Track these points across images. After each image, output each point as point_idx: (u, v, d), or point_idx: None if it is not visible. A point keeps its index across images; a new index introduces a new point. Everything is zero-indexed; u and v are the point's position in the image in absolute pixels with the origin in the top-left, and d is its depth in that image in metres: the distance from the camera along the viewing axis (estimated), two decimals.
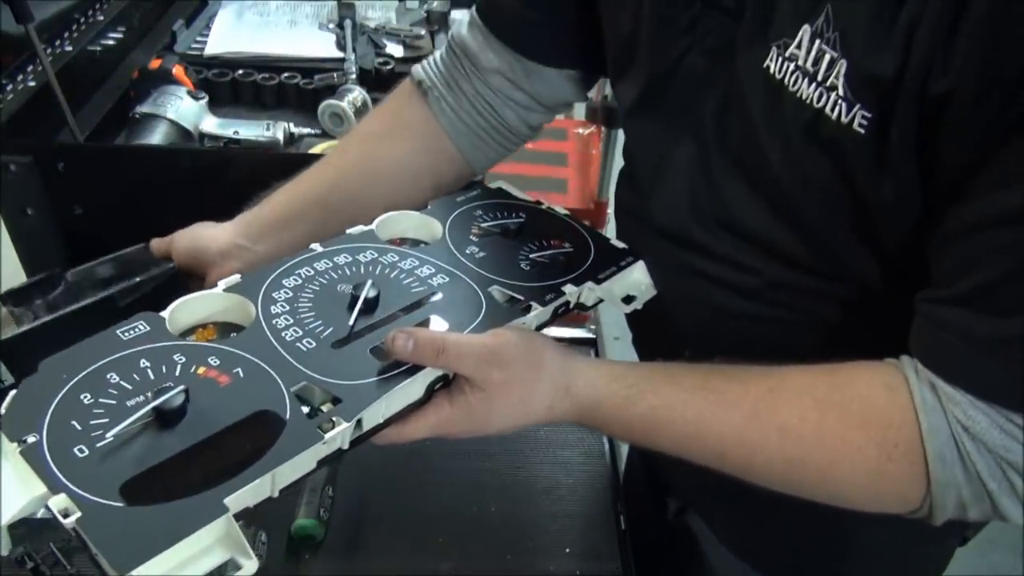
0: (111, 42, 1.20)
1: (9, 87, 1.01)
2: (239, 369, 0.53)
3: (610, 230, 0.77)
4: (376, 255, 0.66)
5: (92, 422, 0.48)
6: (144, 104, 1.11)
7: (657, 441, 0.57)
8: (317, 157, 0.82)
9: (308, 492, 0.78)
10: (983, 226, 0.46)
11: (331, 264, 0.64)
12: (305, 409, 0.52)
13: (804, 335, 0.61)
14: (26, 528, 0.77)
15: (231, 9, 1.42)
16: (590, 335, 1.03)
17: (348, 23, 1.30)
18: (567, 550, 0.79)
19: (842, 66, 0.48)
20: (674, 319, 0.69)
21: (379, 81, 1.26)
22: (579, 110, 3.49)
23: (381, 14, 1.40)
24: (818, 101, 0.50)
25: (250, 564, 0.43)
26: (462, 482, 0.86)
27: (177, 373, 0.52)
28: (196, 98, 1.13)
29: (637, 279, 0.70)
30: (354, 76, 1.20)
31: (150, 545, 0.42)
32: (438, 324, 0.60)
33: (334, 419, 0.51)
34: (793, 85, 0.51)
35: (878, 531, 0.67)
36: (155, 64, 1.19)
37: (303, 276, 0.62)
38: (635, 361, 0.65)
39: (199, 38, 1.35)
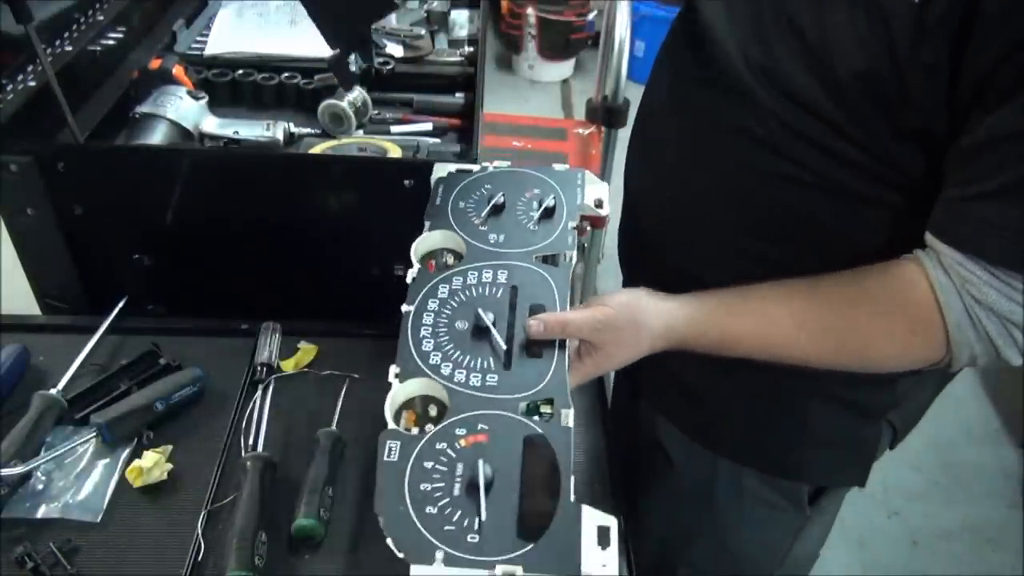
0: (111, 42, 1.20)
1: (9, 87, 1.01)
2: (481, 424, 0.68)
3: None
4: (450, 286, 0.80)
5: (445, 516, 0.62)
6: (144, 104, 1.11)
7: (728, 355, 0.75)
8: (317, 157, 0.82)
9: (308, 492, 0.78)
10: (1012, 136, 0.56)
11: (436, 309, 0.78)
12: (536, 418, 0.68)
13: (819, 202, 0.70)
14: (26, 528, 0.77)
15: (231, 9, 1.42)
16: None
17: None
18: None
19: None
20: (693, 185, 0.79)
21: (379, 81, 1.26)
22: (579, 110, 3.48)
23: None
24: None
25: None
26: None
27: (456, 451, 0.66)
28: (196, 98, 1.13)
29: (596, 186, 0.91)
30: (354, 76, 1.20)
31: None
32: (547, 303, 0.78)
33: (562, 411, 0.68)
34: None
35: (821, 413, 0.83)
36: (155, 64, 1.19)
37: (432, 332, 0.76)
38: (705, 299, 0.77)
39: (199, 38, 1.34)
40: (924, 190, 0.65)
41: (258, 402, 0.90)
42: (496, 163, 0.92)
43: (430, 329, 0.76)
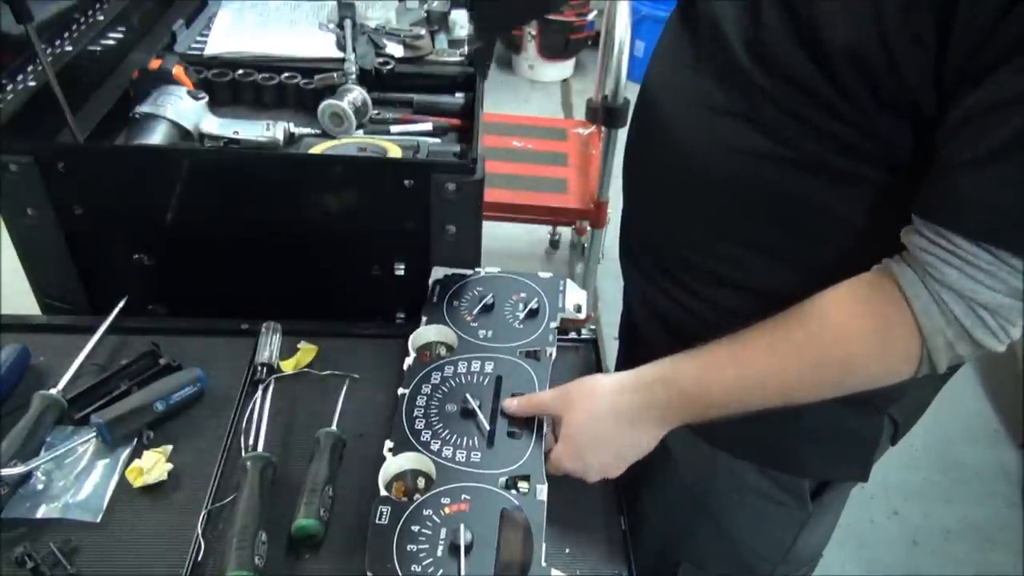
0: (111, 42, 1.20)
1: (9, 87, 1.01)
2: (464, 495, 0.77)
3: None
4: (442, 374, 0.90)
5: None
6: (144, 104, 1.11)
7: (709, 412, 0.76)
8: (317, 157, 0.83)
9: (308, 492, 0.78)
10: (1004, 103, 0.56)
11: (429, 393, 0.88)
12: (514, 492, 0.78)
13: (811, 184, 0.70)
14: (26, 528, 0.77)
15: (231, 9, 1.41)
16: (591, 336, 1.04)
17: (348, 23, 1.30)
18: (567, 550, 0.79)
19: None
20: (686, 168, 0.78)
21: (379, 81, 1.26)
22: (579, 110, 3.49)
23: (381, 14, 1.39)
24: None
25: None
26: None
27: (441, 517, 0.75)
28: (196, 98, 1.13)
29: (575, 292, 1.02)
30: (354, 76, 1.20)
31: None
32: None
33: (537, 487, 0.78)
34: None
35: (819, 407, 0.79)
36: (155, 64, 1.18)
37: (424, 413, 0.86)
38: (662, 362, 0.78)
39: (199, 38, 1.34)
40: (915, 171, 0.65)
41: (258, 402, 0.90)
42: (487, 269, 1.05)
43: (422, 410, 0.86)
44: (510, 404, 0.84)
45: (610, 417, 0.79)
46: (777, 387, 0.73)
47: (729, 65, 0.71)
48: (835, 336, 0.69)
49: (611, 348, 1.16)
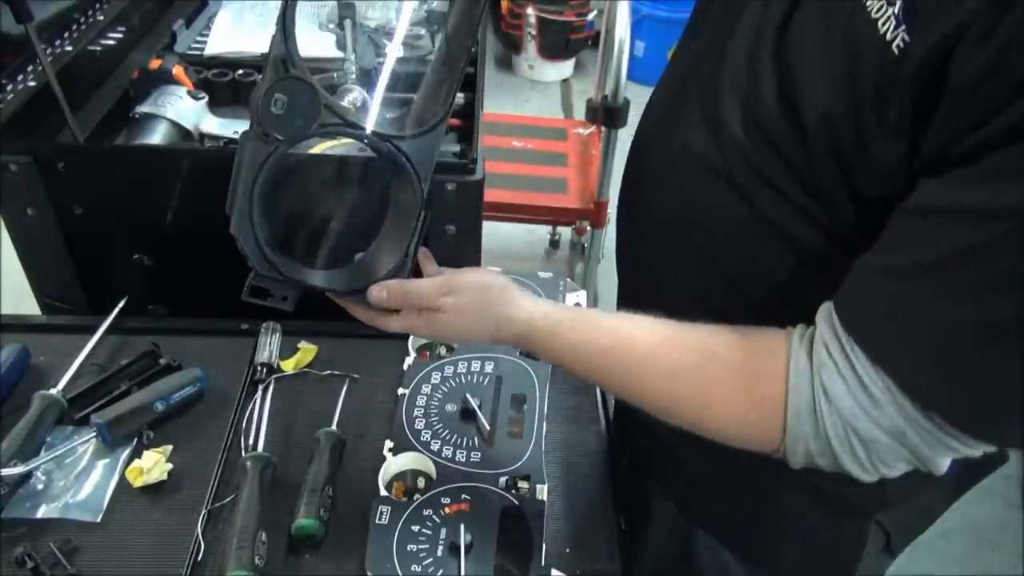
0: (111, 42, 1.20)
1: (9, 87, 1.01)
2: (464, 495, 0.77)
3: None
4: (442, 374, 0.90)
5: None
6: (144, 104, 1.11)
7: (574, 369, 0.70)
8: (317, 157, 0.83)
9: (308, 492, 0.78)
10: (943, 211, 0.49)
11: (429, 392, 0.88)
12: (513, 492, 0.78)
13: (771, 250, 0.65)
14: (26, 528, 0.77)
15: (231, 9, 1.42)
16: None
17: (348, 23, 1.30)
18: (567, 550, 0.79)
19: None
20: (656, 211, 0.75)
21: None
22: (579, 110, 3.49)
23: (381, 14, 1.39)
24: (877, 11, 0.51)
25: None
26: None
27: (441, 517, 0.75)
28: (196, 98, 1.13)
29: (575, 293, 1.00)
30: (354, 76, 1.20)
31: None
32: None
33: (537, 486, 0.79)
34: None
35: (796, 503, 0.76)
36: (155, 64, 1.18)
37: (424, 413, 0.86)
38: (568, 305, 0.75)
39: (199, 38, 1.34)
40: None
41: (258, 402, 0.90)
42: (488, 269, 1.02)
43: (422, 410, 0.86)
44: (376, 293, 0.75)
45: (493, 327, 0.72)
46: (625, 389, 0.68)
47: (714, 114, 0.66)
48: (707, 384, 0.62)
49: None
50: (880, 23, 0.51)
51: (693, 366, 0.63)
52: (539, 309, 0.71)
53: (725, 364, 0.61)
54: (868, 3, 0.52)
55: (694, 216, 0.70)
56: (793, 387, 0.56)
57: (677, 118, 0.72)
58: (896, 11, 0.50)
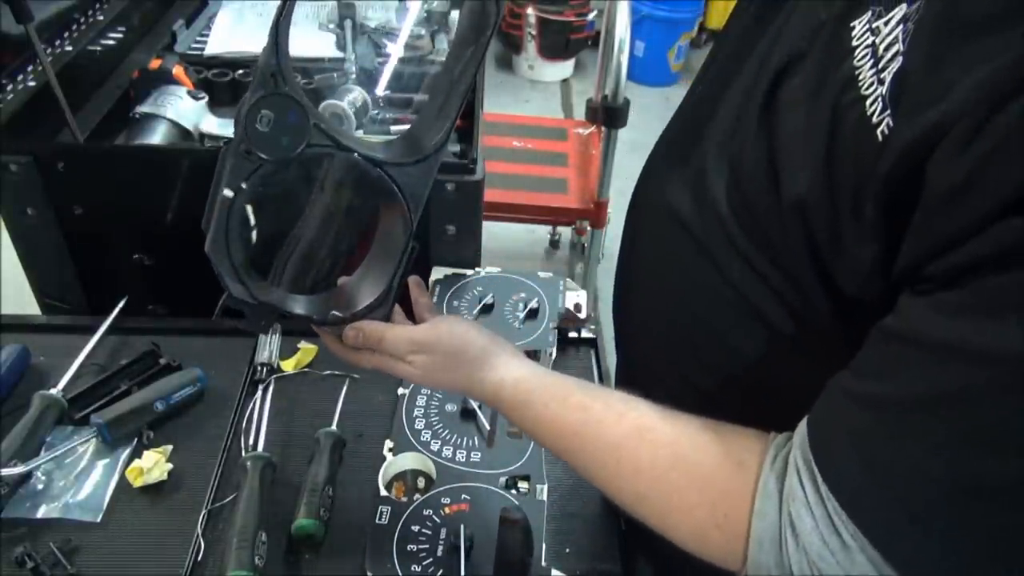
0: (111, 42, 1.20)
1: (9, 87, 1.01)
2: (464, 495, 0.77)
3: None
4: None
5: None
6: (144, 104, 1.11)
7: (543, 444, 0.66)
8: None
9: (308, 492, 0.78)
10: (922, 343, 0.42)
11: (429, 392, 0.88)
12: (514, 492, 0.78)
13: (750, 338, 0.60)
14: (26, 528, 0.77)
15: (231, 9, 1.42)
16: (591, 335, 1.04)
17: (348, 23, 1.30)
18: (567, 550, 0.79)
19: (897, 64, 0.43)
20: (638, 282, 0.73)
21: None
22: (579, 110, 3.49)
23: (381, 14, 1.39)
24: (867, 88, 0.45)
25: None
26: None
27: (441, 517, 0.75)
28: (196, 98, 1.13)
29: (574, 292, 1.01)
30: (354, 76, 1.20)
31: None
32: None
33: (538, 486, 0.79)
34: (859, 59, 0.46)
35: None
36: (155, 64, 1.19)
37: (424, 413, 0.86)
38: (548, 371, 0.69)
39: (199, 38, 1.34)
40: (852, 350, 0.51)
41: (258, 402, 0.90)
42: (487, 269, 1.04)
43: (422, 410, 0.86)
44: (351, 335, 0.69)
45: (465, 386, 0.69)
46: (589, 476, 0.62)
47: (702, 180, 0.61)
48: (668, 489, 0.56)
49: (611, 347, 1.16)
50: (868, 102, 0.45)
51: (658, 466, 0.57)
52: (511, 375, 0.67)
53: (691, 469, 0.55)
54: (861, 76, 0.46)
55: (677, 282, 0.66)
56: (758, 512, 0.51)
57: (669, 174, 0.68)
58: (884, 92, 0.44)
